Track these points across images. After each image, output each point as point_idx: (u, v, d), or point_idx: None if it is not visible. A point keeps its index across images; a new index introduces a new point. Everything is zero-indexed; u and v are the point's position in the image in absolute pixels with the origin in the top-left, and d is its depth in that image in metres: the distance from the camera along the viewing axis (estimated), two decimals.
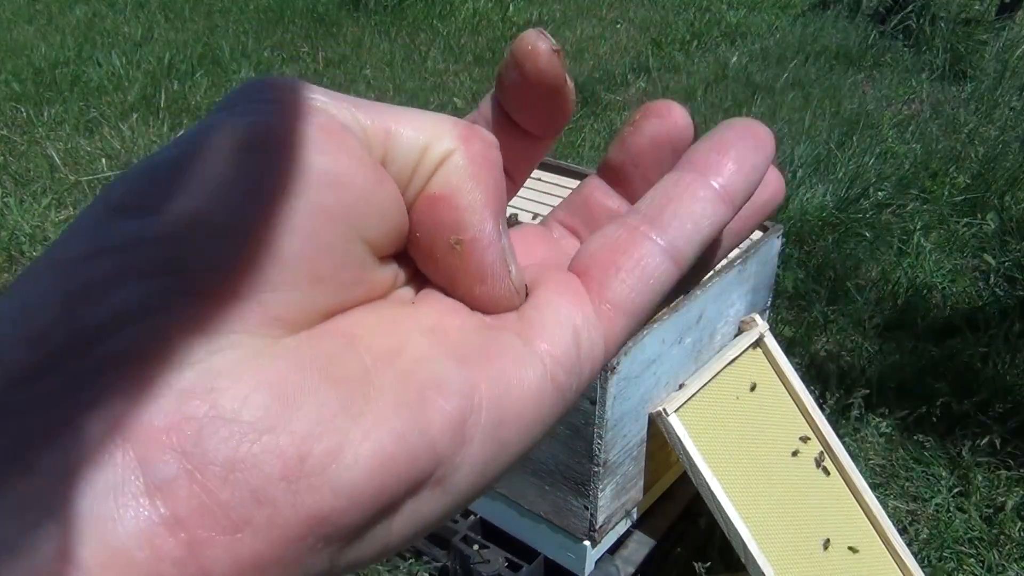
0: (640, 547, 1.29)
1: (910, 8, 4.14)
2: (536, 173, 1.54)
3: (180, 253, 0.14)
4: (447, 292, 0.19)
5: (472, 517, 1.32)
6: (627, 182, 0.23)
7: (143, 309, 0.14)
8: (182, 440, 0.13)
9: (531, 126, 0.21)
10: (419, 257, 0.19)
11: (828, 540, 1.23)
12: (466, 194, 0.18)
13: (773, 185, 0.22)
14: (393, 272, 0.18)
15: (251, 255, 0.15)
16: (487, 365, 0.17)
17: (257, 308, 0.15)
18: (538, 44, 0.19)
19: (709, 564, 1.30)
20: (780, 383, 1.31)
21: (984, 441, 1.72)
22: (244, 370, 0.14)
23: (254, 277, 0.15)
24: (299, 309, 0.15)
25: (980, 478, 1.66)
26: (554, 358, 0.18)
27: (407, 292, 0.19)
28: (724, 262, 1.23)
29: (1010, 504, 1.61)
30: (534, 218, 1.36)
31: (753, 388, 1.28)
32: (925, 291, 2.25)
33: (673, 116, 0.22)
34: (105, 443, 0.13)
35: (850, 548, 1.25)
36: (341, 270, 0.16)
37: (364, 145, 0.17)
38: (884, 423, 1.78)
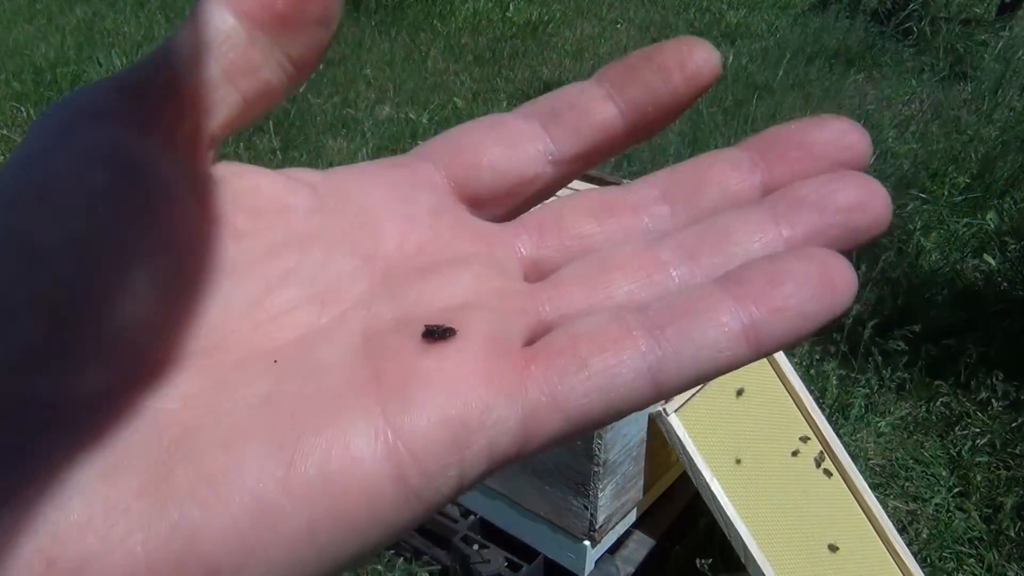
0: (640, 547, 1.29)
1: (910, 8, 4.14)
2: None
3: None
4: None
5: (472, 517, 1.32)
6: None
7: None
8: None
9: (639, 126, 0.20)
10: None
11: (828, 540, 1.23)
12: None
13: (874, 210, 0.18)
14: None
15: None
16: (312, 436, 0.14)
17: None
18: (708, 63, 0.19)
19: (711, 561, 1.30)
20: (780, 383, 1.31)
21: (984, 441, 1.72)
22: None
23: None
24: None
25: (980, 478, 1.66)
26: (411, 450, 0.14)
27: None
28: None
29: (1010, 504, 1.61)
30: None
31: (753, 389, 1.28)
32: (925, 291, 2.25)
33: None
34: None
35: (850, 548, 1.25)
36: None
37: None
38: (884, 423, 1.78)
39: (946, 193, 2.68)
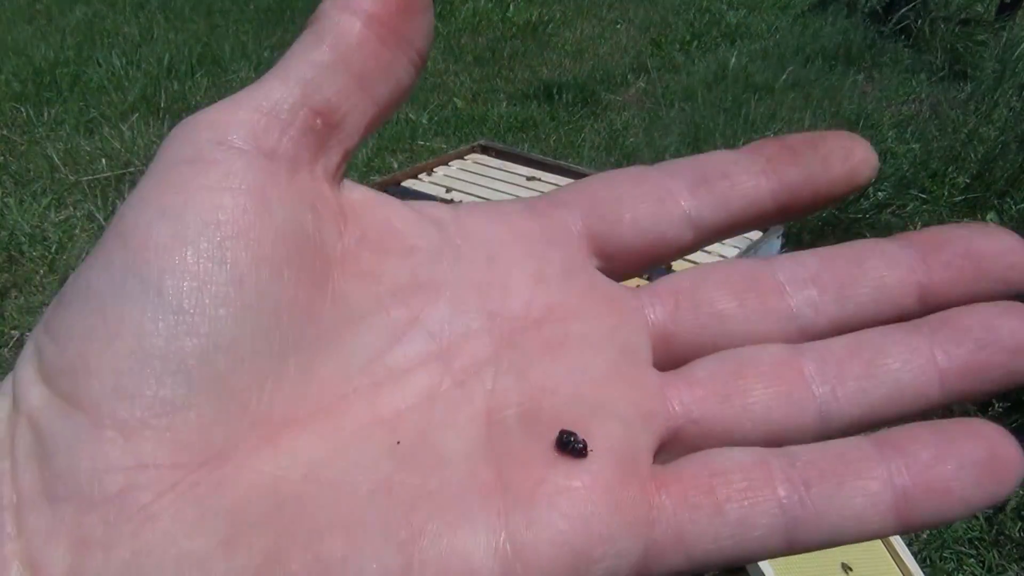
0: None
1: (909, 7, 4.14)
2: (535, 173, 1.54)
3: None
4: None
5: None
6: None
7: None
8: None
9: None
10: None
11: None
12: None
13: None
14: None
15: None
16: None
17: None
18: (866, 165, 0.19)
19: None
20: None
21: None
22: None
23: None
24: None
25: None
26: (528, 570, 0.14)
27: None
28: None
29: (1010, 504, 1.61)
30: None
31: None
32: None
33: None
34: None
35: (849, 547, 1.25)
36: None
37: None
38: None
39: (946, 193, 2.68)
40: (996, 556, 1.54)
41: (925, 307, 0.18)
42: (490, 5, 4.51)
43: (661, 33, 4.51)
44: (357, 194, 0.17)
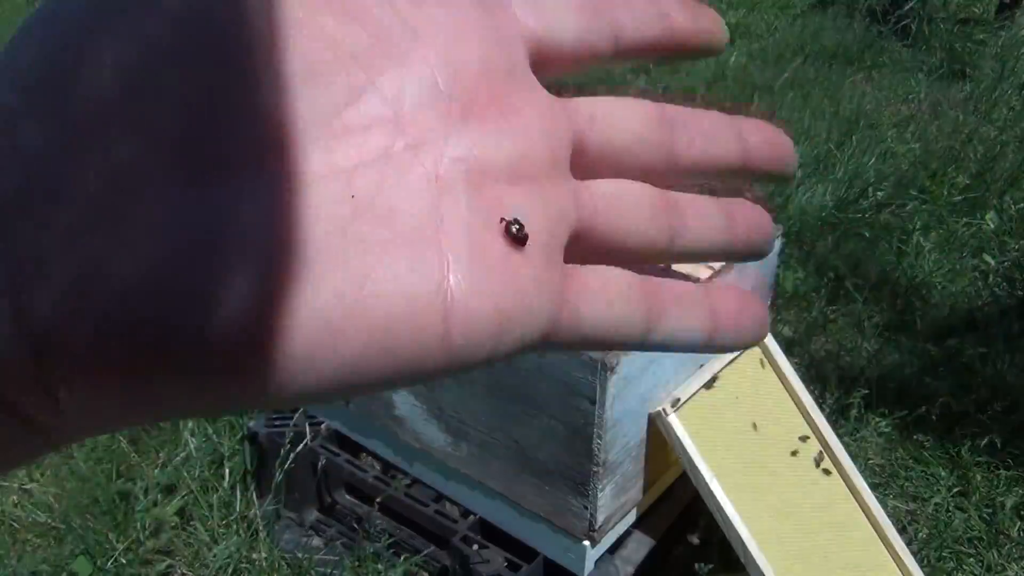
0: (640, 547, 1.29)
1: (908, 7, 4.14)
2: None
3: None
4: None
5: (472, 517, 1.32)
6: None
7: None
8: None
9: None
10: None
11: (827, 540, 1.23)
12: None
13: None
14: None
15: None
16: (377, 281, 0.16)
17: None
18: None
19: (712, 567, 1.30)
20: (780, 383, 1.31)
21: (984, 441, 1.72)
22: None
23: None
24: None
25: (979, 478, 1.66)
26: (463, 320, 0.17)
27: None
28: (724, 262, 1.24)
29: (1009, 504, 1.61)
30: None
31: (752, 389, 1.28)
32: (924, 291, 2.25)
33: None
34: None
35: (849, 548, 1.25)
36: None
37: None
38: (884, 423, 1.78)
39: (945, 193, 2.68)
40: (995, 556, 1.54)
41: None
42: None
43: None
44: None
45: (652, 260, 0.21)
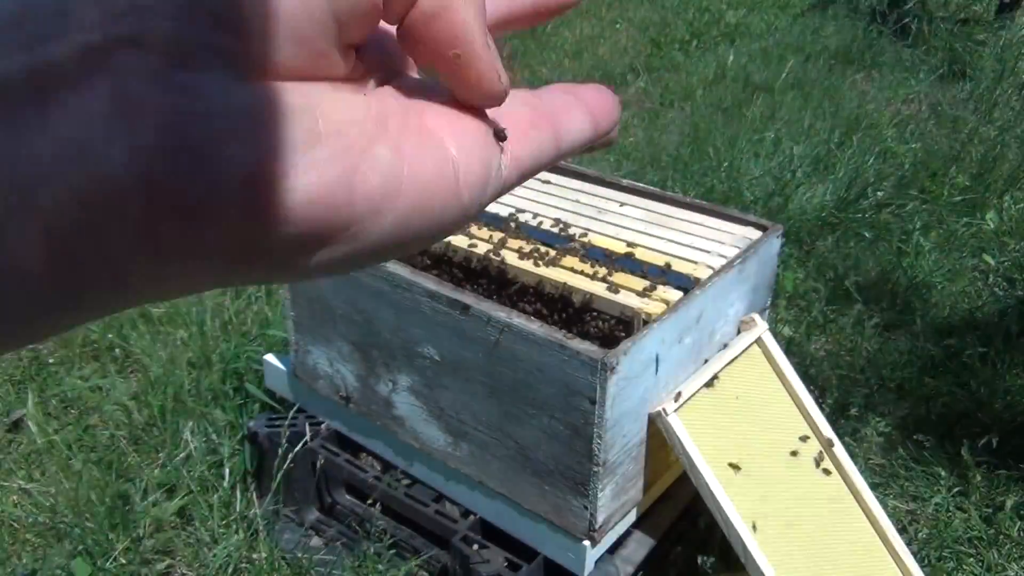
0: (640, 547, 1.29)
1: (908, 7, 4.14)
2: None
3: None
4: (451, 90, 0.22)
5: (472, 517, 1.32)
6: None
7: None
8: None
9: None
10: (420, 61, 0.22)
11: (827, 540, 1.23)
12: (461, 11, 0.20)
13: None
14: (352, 63, 0.20)
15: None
16: (414, 160, 0.19)
17: (248, 52, 0.17)
18: None
19: (713, 560, 1.30)
20: (780, 383, 1.31)
21: (984, 441, 1.72)
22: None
23: (255, 25, 0.17)
24: (279, 63, 0.17)
25: (979, 478, 1.66)
26: (466, 178, 0.20)
27: (362, 85, 0.21)
28: (724, 262, 1.24)
29: (1009, 504, 1.61)
30: (534, 218, 1.36)
31: (753, 388, 1.28)
32: (924, 291, 2.25)
33: None
34: None
35: (849, 548, 1.25)
36: (319, 39, 0.18)
37: None
38: (884, 423, 1.78)
39: (945, 193, 2.68)
40: (995, 556, 1.54)
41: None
42: None
43: (660, 33, 4.51)
44: None
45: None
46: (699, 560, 1.31)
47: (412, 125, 0.20)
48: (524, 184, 1.61)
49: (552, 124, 0.23)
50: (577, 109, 0.24)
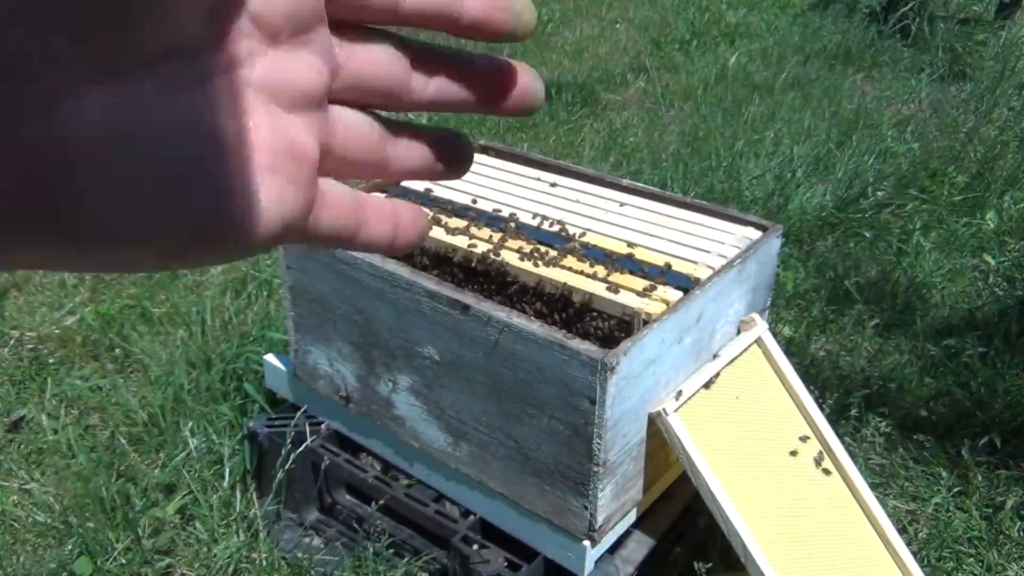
0: (640, 547, 1.29)
1: (908, 7, 4.14)
2: (535, 173, 1.54)
3: None
4: None
5: (472, 517, 1.32)
6: None
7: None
8: None
9: None
10: None
11: (827, 540, 1.23)
12: None
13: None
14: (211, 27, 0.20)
15: None
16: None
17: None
18: None
19: (710, 565, 1.30)
20: (780, 383, 1.31)
21: (984, 441, 1.72)
22: None
23: None
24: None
25: (980, 478, 1.66)
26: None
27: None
28: (724, 262, 1.24)
29: (1009, 504, 1.61)
30: (533, 218, 1.36)
31: (752, 388, 1.28)
32: (924, 291, 2.25)
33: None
34: None
35: (849, 548, 1.25)
36: None
37: None
38: (884, 423, 1.78)
39: (945, 193, 2.68)
40: (995, 556, 1.54)
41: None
42: None
43: (660, 33, 4.51)
44: None
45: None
46: (695, 566, 1.31)
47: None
48: (524, 184, 1.60)
49: (359, 217, 0.25)
50: (388, 221, 0.26)
